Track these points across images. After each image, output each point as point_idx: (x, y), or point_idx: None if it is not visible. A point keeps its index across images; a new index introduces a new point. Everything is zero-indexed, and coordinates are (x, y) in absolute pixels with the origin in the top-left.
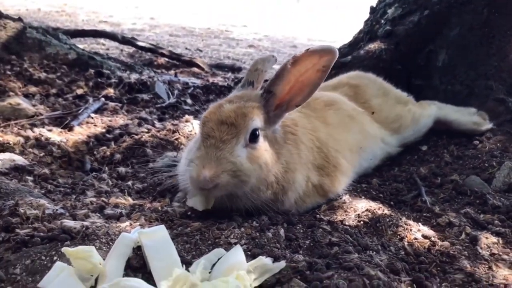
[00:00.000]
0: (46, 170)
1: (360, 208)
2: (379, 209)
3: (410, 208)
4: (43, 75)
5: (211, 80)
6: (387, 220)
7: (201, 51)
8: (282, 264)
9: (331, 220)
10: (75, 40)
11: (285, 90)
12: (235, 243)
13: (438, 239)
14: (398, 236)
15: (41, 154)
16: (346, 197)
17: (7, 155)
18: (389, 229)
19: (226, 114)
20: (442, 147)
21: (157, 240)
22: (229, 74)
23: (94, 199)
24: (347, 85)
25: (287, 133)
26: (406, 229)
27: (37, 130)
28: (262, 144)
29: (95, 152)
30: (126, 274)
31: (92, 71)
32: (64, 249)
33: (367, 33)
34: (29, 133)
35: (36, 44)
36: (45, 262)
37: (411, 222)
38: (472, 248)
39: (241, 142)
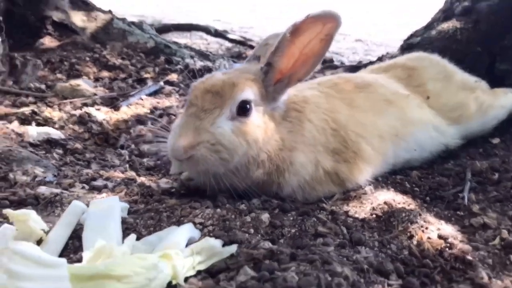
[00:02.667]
0: (78, 145)
1: (379, 200)
2: (401, 203)
3: (446, 205)
4: (118, 61)
5: None
6: (403, 215)
7: None
8: (232, 248)
9: (335, 210)
10: (177, 35)
11: (287, 63)
12: (200, 223)
13: (460, 241)
14: (408, 234)
15: (80, 130)
16: (368, 188)
17: (44, 129)
18: (401, 225)
19: (213, 83)
20: None
21: (102, 210)
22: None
23: (91, 171)
24: (401, 67)
25: (290, 110)
26: (422, 226)
27: (85, 108)
28: (254, 119)
29: (131, 131)
30: (72, 243)
31: (163, 58)
32: (5, 211)
33: (444, 12)
34: (76, 110)
35: (120, 33)
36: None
37: (432, 219)
38: (503, 256)
39: (225, 113)
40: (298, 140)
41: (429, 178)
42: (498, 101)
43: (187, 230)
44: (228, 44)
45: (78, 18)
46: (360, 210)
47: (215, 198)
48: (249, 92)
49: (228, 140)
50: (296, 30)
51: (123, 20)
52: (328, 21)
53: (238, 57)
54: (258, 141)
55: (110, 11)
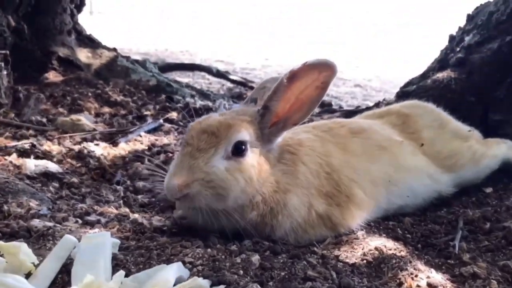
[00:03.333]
0: (75, 179)
1: (370, 246)
2: (392, 249)
3: (438, 253)
4: (120, 98)
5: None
6: (394, 261)
7: None
8: None
9: (326, 254)
10: (179, 74)
11: (283, 107)
12: (190, 262)
13: None
14: (397, 281)
15: (78, 165)
16: (360, 233)
17: (42, 162)
18: (391, 272)
19: (209, 123)
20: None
21: (93, 246)
22: (317, 109)
23: (85, 206)
24: (396, 114)
25: (285, 152)
26: (411, 274)
27: (84, 143)
28: (249, 159)
29: (128, 167)
30: (61, 278)
31: (164, 96)
32: None
33: (439, 62)
34: (76, 145)
35: (124, 71)
36: None
37: (422, 267)
38: None
39: (220, 153)
40: (292, 182)
41: (421, 225)
42: (491, 151)
43: (176, 269)
44: (229, 84)
45: (83, 55)
46: (351, 255)
47: (206, 237)
48: (245, 134)
49: (222, 178)
50: (293, 76)
51: (127, 58)
52: (324, 70)
53: (239, 97)
54: (252, 180)
55: (114, 49)
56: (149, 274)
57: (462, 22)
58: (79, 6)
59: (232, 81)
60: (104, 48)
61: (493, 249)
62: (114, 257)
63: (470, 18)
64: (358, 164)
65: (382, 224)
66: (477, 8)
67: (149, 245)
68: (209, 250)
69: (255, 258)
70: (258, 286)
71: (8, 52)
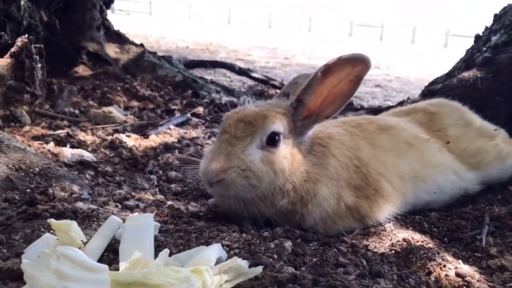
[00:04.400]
0: (109, 168)
1: (398, 237)
2: (419, 241)
3: (464, 246)
4: (147, 92)
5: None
6: (422, 252)
7: None
8: (258, 269)
9: (355, 243)
10: (201, 71)
11: (315, 101)
12: (227, 245)
13: (477, 281)
14: (426, 270)
15: (111, 155)
16: (388, 226)
17: (78, 151)
18: (419, 262)
19: (246, 113)
20: None
21: (138, 226)
22: None
23: (123, 192)
24: (423, 111)
25: (315, 144)
26: (440, 264)
27: (116, 134)
28: (282, 150)
29: (159, 158)
30: (107, 256)
31: (190, 91)
32: (49, 220)
33: (465, 61)
34: (108, 136)
35: (151, 66)
36: (42, 234)
37: (450, 258)
38: None
39: (255, 142)
40: (322, 173)
41: (447, 220)
42: None
43: (216, 250)
44: (250, 82)
45: (111, 50)
46: (379, 245)
47: (240, 224)
48: (279, 125)
49: (257, 168)
50: (327, 70)
51: (154, 54)
52: (358, 64)
53: (260, 95)
54: (284, 171)
55: (142, 45)
56: (190, 254)
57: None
58: (108, 3)
59: (254, 79)
60: (131, 44)
61: None
62: (155, 239)
63: (497, 18)
64: (386, 159)
65: (409, 218)
66: (504, 8)
67: (187, 228)
68: (244, 235)
69: (288, 244)
70: (293, 269)
71: (42, 46)
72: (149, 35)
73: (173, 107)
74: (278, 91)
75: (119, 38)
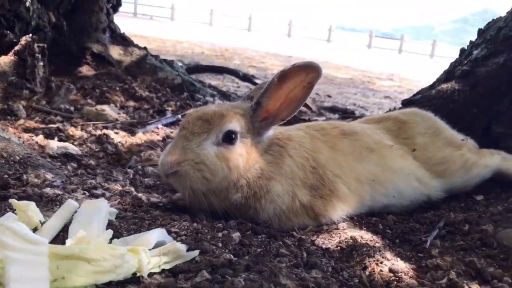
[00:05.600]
0: (92, 162)
1: (347, 235)
2: (368, 240)
3: (412, 248)
4: (145, 93)
5: (313, 119)
6: (364, 249)
7: (330, 97)
8: (195, 253)
9: (303, 238)
10: (211, 76)
11: (274, 104)
12: (175, 232)
13: (409, 277)
14: (363, 265)
15: (97, 149)
16: (342, 225)
17: (64, 144)
18: (359, 257)
19: (205, 111)
20: (502, 200)
21: (90, 209)
22: (335, 116)
23: (94, 182)
24: (393, 120)
25: (273, 145)
26: (377, 260)
27: (104, 130)
28: (238, 148)
29: (142, 154)
30: (62, 235)
31: (186, 94)
32: (11, 200)
33: (447, 73)
34: (97, 131)
35: (152, 69)
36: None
37: (390, 256)
38: None
39: (211, 139)
40: (276, 171)
41: (403, 223)
42: (483, 161)
43: (158, 234)
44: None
45: (115, 52)
46: (327, 241)
47: (196, 215)
48: (236, 124)
49: (210, 161)
50: (283, 76)
51: (156, 57)
52: (311, 71)
53: None
54: (238, 167)
55: (145, 48)
56: (136, 237)
57: None
58: (116, 6)
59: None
60: (135, 47)
61: (466, 248)
62: (110, 223)
63: (480, 32)
64: (344, 162)
65: (365, 219)
66: (488, 23)
67: (143, 216)
68: (195, 224)
69: (236, 235)
70: (231, 256)
71: (45, 45)
72: (167, 39)
73: (166, 108)
74: None
75: (124, 41)
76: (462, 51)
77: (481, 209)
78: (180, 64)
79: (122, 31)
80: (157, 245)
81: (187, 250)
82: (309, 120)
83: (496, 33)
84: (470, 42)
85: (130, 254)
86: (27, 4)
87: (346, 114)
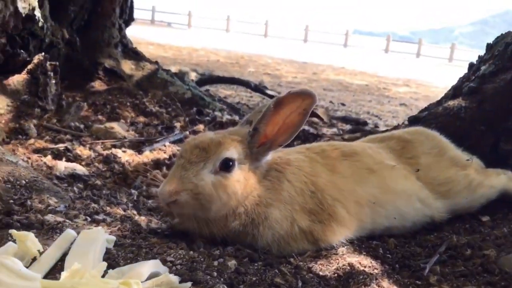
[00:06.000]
0: (99, 182)
1: (345, 261)
2: (366, 266)
3: (411, 274)
4: (155, 108)
5: (324, 130)
6: (361, 277)
7: (344, 105)
8: (187, 285)
9: (300, 265)
10: (224, 86)
11: (272, 129)
12: (170, 261)
13: None
14: None
15: (104, 169)
16: (341, 249)
17: (72, 165)
18: (355, 286)
19: (202, 140)
20: (509, 221)
21: (87, 239)
22: (347, 126)
23: (97, 206)
24: (397, 139)
25: (272, 170)
26: None
27: (112, 149)
28: (236, 175)
29: (148, 174)
30: (60, 265)
31: (195, 109)
32: (11, 231)
33: (455, 90)
34: (105, 151)
35: (163, 83)
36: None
37: (386, 284)
38: None
39: (208, 167)
40: (274, 197)
41: (404, 246)
42: (489, 181)
43: (152, 265)
44: (268, 98)
45: (127, 66)
46: (324, 268)
47: (193, 241)
48: (233, 151)
49: (207, 191)
50: (279, 103)
51: (167, 71)
52: (306, 98)
53: None
54: (236, 194)
55: (156, 62)
56: (131, 268)
57: None
58: (128, 21)
59: (268, 96)
60: (147, 61)
61: (467, 274)
62: (107, 251)
63: (489, 47)
64: (343, 184)
65: (365, 243)
66: (497, 38)
67: (141, 243)
68: (191, 252)
69: (232, 263)
70: (225, 286)
71: (57, 63)
72: (183, 47)
73: (175, 124)
74: None
75: (136, 55)
76: (471, 66)
77: (486, 231)
78: (194, 73)
79: (134, 46)
80: (150, 277)
81: (180, 282)
82: (317, 135)
83: (504, 49)
84: (479, 57)
85: (122, 287)
86: (40, 23)
87: (359, 124)
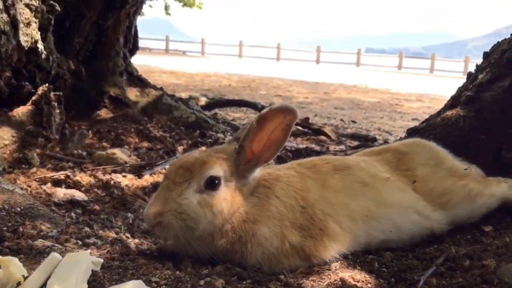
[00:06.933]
0: (97, 207)
1: (338, 277)
2: (359, 281)
3: (406, 287)
4: (159, 133)
5: (331, 147)
6: None
7: (355, 122)
8: None
9: (290, 282)
10: (234, 109)
11: (257, 146)
12: (155, 282)
13: None
14: None
15: (103, 194)
16: (334, 265)
17: (71, 191)
18: None
19: (186, 159)
20: None
21: (71, 262)
22: (355, 143)
23: (89, 230)
24: (393, 151)
25: (260, 186)
26: None
27: (112, 175)
28: (222, 193)
29: (146, 197)
30: None
31: (198, 131)
32: None
33: (453, 99)
34: (105, 176)
35: (167, 108)
36: None
37: None
38: None
39: (193, 187)
40: (262, 214)
41: (401, 260)
42: (489, 190)
43: (134, 286)
44: None
45: (132, 94)
46: (316, 284)
47: (181, 261)
48: (219, 170)
49: (192, 210)
50: (262, 119)
51: (172, 96)
52: (288, 114)
53: None
54: (223, 212)
55: (161, 88)
56: None
57: None
58: (132, 50)
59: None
60: (152, 88)
61: (465, 286)
62: (94, 274)
63: (486, 56)
64: (335, 199)
65: (361, 257)
66: (493, 46)
67: (128, 265)
68: (177, 272)
69: (219, 282)
70: None
71: (61, 93)
72: (195, 74)
73: (177, 147)
74: (299, 128)
75: (141, 83)
76: (469, 75)
77: (488, 241)
78: (204, 98)
79: (139, 73)
80: None
81: None
82: (320, 152)
83: (500, 56)
84: (477, 66)
85: None
86: (43, 56)
87: (368, 140)
